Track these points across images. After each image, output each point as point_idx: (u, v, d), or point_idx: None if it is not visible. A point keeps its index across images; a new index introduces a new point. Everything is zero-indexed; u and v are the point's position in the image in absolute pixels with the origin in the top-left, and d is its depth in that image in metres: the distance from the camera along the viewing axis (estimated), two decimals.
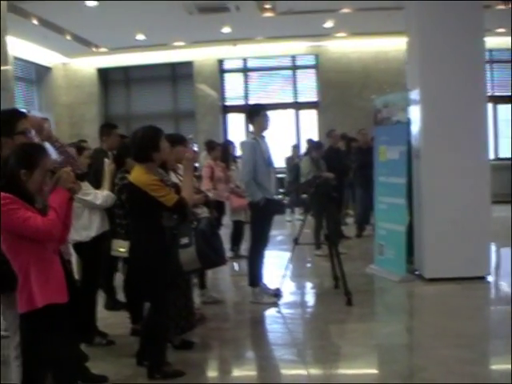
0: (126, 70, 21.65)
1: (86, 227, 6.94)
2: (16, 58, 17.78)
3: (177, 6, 14.42)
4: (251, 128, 8.68)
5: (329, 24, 17.41)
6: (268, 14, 15.56)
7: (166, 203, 5.69)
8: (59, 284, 4.16)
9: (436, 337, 6.78)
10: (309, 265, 11.55)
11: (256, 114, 8.62)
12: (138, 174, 5.85)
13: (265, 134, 8.70)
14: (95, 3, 13.48)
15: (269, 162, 8.65)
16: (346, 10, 15.45)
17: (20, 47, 17.50)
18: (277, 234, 14.07)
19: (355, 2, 14.68)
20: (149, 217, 5.80)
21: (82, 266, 7.27)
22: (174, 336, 6.71)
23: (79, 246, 6.99)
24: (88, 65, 21.26)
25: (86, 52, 19.67)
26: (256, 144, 8.47)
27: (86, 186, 6.95)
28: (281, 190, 18.15)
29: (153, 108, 21.45)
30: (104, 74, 21.85)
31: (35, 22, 14.85)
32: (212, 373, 6.24)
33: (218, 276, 10.74)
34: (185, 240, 5.81)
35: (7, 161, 4.17)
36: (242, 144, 8.80)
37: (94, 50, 19.48)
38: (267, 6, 14.92)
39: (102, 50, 19.62)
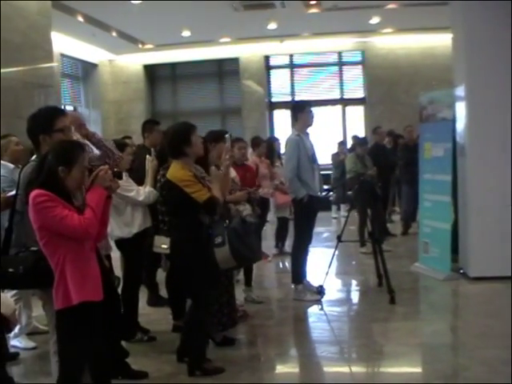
0: (172, 67, 21.73)
1: (128, 224, 6.97)
2: (63, 55, 17.98)
3: (222, 3, 14.41)
4: (295, 124, 8.64)
5: (375, 20, 17.25)
6: (313, 11, 15.46)
7: (197, 199, 5.69)
8: (95, 282, 4.16)
9: (480, 337, 6.66)
10: (353, 262, 11.47)
11: (300, 110, 8.59)
12: (174, 170, 5.87)
13: (310, 130, 8.67)
14: (139, 1, 13.51)
15: (313, 159, 8.60)
16: (391, 6, 15.29)
17: (67, 44, 17.67)
18: (322, 230, 14.04)
19: None
20: (186, 214, 5.80)
21: (124, 262, 7.32)
22: (215, 333, 6.72)
23: (121, 243, 7.05)
24: (134, 61, 21.37)
25: (132, 49, 19.74)
26: (300, 141, 8.43)
27: (128, 182, 7.00)
28: (326, 187, 18.07)
29: (199, 104, 21.46)
30: (150, 70, 21.94)
31: (81, 19, 14.94)
32: (253, 370, 6.17)
33: (262, 273, 10.76)
34: (218, 239, 5.76)
35: (45, 158, 4.18)
36: (286, 141, 8.76)
37: (140, 46, 19.56)
38: (312, 3, 14.83)
39: (149, 46, 19.69)
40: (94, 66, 20.31)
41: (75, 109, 19.89)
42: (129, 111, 21.07)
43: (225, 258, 5.75)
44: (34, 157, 4.87)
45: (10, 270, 4.32)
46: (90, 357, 4.26)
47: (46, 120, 4.80)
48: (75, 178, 4.16)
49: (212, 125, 20.43)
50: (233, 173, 7.84)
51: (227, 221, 5.90)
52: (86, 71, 20.31)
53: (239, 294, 8.39)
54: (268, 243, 11.93)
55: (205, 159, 6.50)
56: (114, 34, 17.29)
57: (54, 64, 16.59)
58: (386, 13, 16.02)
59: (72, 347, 4.18)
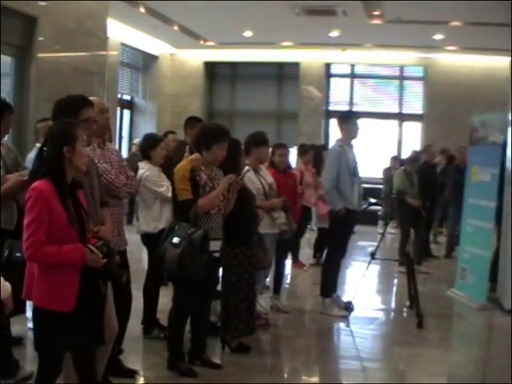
0: (232, 66, 21.68)
1: (155, 219, 6.92)
2: (123, 45, 18.05)
3: (284, 6, 14.28)
4: (340, 135, 8.47)
5: (438, 36, 16.92)
6: (376, 21, 15.25)
7: (177, 196, 5.81)
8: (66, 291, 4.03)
9: (503, 372, 6.39)
10: (387, 280, 11.22)
11: (346, 121, 8.42)
12: (181, 163, 5.97)
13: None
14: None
15: (354, 172, 8.40)
16: (456, 24, 14.96)
17: (128, 34, 17.73)
18: (366, 245, 13.83)
19: (465, 15, 14.16)
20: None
21: (148, 257, 7.23)
22: (231, 338, 6.63)
23: (147, 237, 7.00)
24: (195, 57, 21.36)
25: (193, 44, 19.72)
26: (342, 152, 8.25)
27: (160, 177, 6.94)
28: (373, 201, 17.81)
29: (256, 106, 21.38)
30: (211, 67, 21.92)
31: (143, 10, 14.94)
32: (260, 379, 6.07)
33: (295, 282, 10.63)
34: (176, 240, 5.62)
35: (43, 148, 4.09)
36: (328, 151, 8.58)
37: (201, 43, 19.53)
38: (375, 13, 14.62)
39: (210, 43, 19.65)
40: (154, 57, 20.37)
41: (132, 99, 20.04)
42: (185, 106, 21.01)
43: (170, 259, 5.60)
44: None
45: (17, 254, 4.27)
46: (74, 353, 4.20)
47: (72, 109, 4.75)
48: (80, 153, 4.08)
49: (267, 128, 20.23)
50: (270, 178, 7.71)
51: (192, 229, 5.71)
52: (146, 62, 20.39)
53: (266, 300, 8.29)
54: (306, 252, 11.79)
55: (236, 161, 6.43)
56: (176, 28, 17.28)
57: (113, 53, 16.76)
58: (450, 30, 15.70)
59: (47, 348, 4.10)
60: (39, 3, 9.87)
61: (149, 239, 6.95)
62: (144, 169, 7.02)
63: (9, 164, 5.66)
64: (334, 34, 17.01)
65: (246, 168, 6.47)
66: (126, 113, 20.07)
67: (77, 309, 3.99)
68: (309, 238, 12.56)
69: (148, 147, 7.15)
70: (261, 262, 6.94)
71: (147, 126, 19.04)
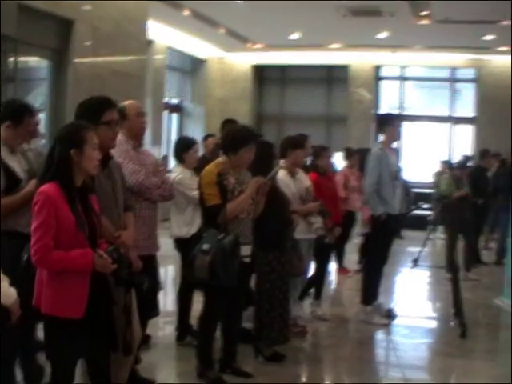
0: (281, 69, 21.52)
1: (187, 223, 6.84)
2: (170, 48, 18.03)
3: (330, 7, 14.07)
4: (381, 138, 8.23)
5: (489, 37, 16.54)
6: (424, 22, 14.92)
7: (205, 201, 5.67)
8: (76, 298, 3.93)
9: None
10: (433, 288, 10.90)
11: (387, 123, 8.18)
12: (208, 167, 5.83)
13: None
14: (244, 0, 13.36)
15: (395, 176, 8.15)
16: (506, 23, 14.54)
17: (175, 38, 17.70)
18: (413, 251, 13.50)
19: None
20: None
21: (181, 263, 7.10)
22: (264, 347, 6.48)
23: (179, 242, 6.93)
24: (243, 60, 21.26)
25: (241, 47, 19.65)
26: (383, 155, 8.01)
27: (193, 180, 6.80)
28: (424, 206, 17.49)
29: (305, 109, 21.22)
30: (259, 70, 21.81)
31: (187, 13, 14.87)
32: None
33: (338, 288, 10.44)
34: (205, 246, 5.47)
35: (53, 150, 4.00)
36: (369, 154, 8.35)
37: (249, 45, 19.44)
38: (423, 13, 14.30)
39: (258, 46, 19.54)
40: (202, 61, 20.36)
41: (181, 102, 20.03)
42: (234, 110, 20.83)
43: (201, 267, 5.46)
44: None
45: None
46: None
47: (95, 110, 4.67)
48: (89, 157, 3.97)
49: (316, 131, 20.18)
50: (307, 182, 7.52)
51: (222, 234, 5.54)
52: (194, 66, 20.40)
53: (306, 308, 8.10)
54: (351, 258, 11.56)
55: (268, 165, 6.27)
56: (222, 30, 17.19)
57: (159, 56, 16.78)
58: (501, 30, 15.27)
59: (58, 356, 4.00)
60: (76, 7, 9.81)
61: (181, 244, 6.86)
62: (177, 172, 6.95)
63: (37, 169, 5.57)
64: (382, 35, 16.76)
65: (274, 169, 6.25)
66: (175, 116, 20.05)
67: (87, 316, 3.90)
68: (357, 243, 12.34)
69: (181, 150, 7.06)
70: (295, 269, 6.77)
71: (195, 130, 19.01)
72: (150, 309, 5.94)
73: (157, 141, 16.21)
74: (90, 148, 3.97)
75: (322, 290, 8.44)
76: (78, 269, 3.86)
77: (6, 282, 3.74)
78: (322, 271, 8.30)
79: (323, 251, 7.98)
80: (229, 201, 5.61)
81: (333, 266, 11.12)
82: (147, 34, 12.09)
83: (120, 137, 5.22)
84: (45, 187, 3.87)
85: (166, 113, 18.76)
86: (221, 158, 5.89)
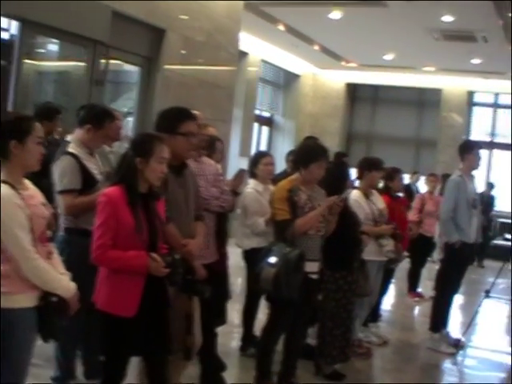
0: (373, 88, 21.37)
1: (261, 234, 6.78)
2: (264, 61, 18.17)
3: (423, 30, 13.94)
4: (460, 165, 8.15)
5: None
6: None
7: (275, 216, 5.74)
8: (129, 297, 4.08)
9: None
10: (504, 320, 10.66)
11: (468, 150, 8.08)
12: (281, 183, 5.91)
13: (474, 173, 8.16)
14: (339, 15, 13.34)
15: (473, 204, 8.06)
16: None
17: (269, 51, 17.83)
18: (498, 281, 13.24)
19: None
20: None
21: (247, 273, 7.16)
22: (325, 364, 6.51)
23: (247, 253, 6.99)
24: (336, 78, 21.22)
25: (335, 65, 19.60)
26: (461, 182, 7.93)
27: (262, 195, 6.87)
28: (508, 236, 17.17)
29: (395, 131, 20.97)
30: (351, 89, 21.73)
31: (282, 28, 14.98)
32: None
33: (408, 313, 10.32)
34: (272, 260, 5.53)
35: (126, 154, 4.18)
36: (447, 181, 8.28)
37: (343, 64, 19.41)
38: None
39: (352, 65, 19.49)
40: (296, 76, 20.38)
41: (272, 115, 20.14)
42: (324, 127, 20.90)
43: (266, 279, 5.53)
44: None
45: None
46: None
47: (172, 120, 4.83)
48: (153, 169, 4.11)
49: (405, 153, 20.09)
50: (382, 204, 7.52)
51: (287, 248, 5.58)
52: (287, 80, 20.42)
53: (372, 330, 8.07)
54: (427, 283, 11.43)
55: (341, 183, 6.32)
56: (316, 47, 17.23)
57: (252, 69, 16.93)
58: None
59: (110, 352, 4.17)
60: (169, 16, 10.04)
61: (249, 255, 6.90)
62: (249, 185, 7.04)
63: None
64: (476, 60, 16.49)
65: (348, 191, 6.30)
66: (265, 129, 20.15)
67: (141, 315, 4.03)
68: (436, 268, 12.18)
69: (252, 164, 7.15)
70: (361, 289, 6.77)
71: (285, 144, 19.04)
72: (215, 317, 6.06)
73: (245, 152, 16.31)
74: (156, 161, 4.12)
75: (378, 311, 8.39)
76: (133, 269, 4.03)
77: (67, 276, 3.88)
78: (380, 293, 8.23)
79: (385, 274, 7.92)
80: (299, 216, 5.67)
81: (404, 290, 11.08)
82: (238, 46, 12.20)
83: None
84: (109, 189, 4.08)
85: (256, 125, 18.87)
86: (294, 175, 5.95)
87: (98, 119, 5.39)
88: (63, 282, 3.79)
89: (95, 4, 8.71)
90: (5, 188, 3.59)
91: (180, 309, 4.73)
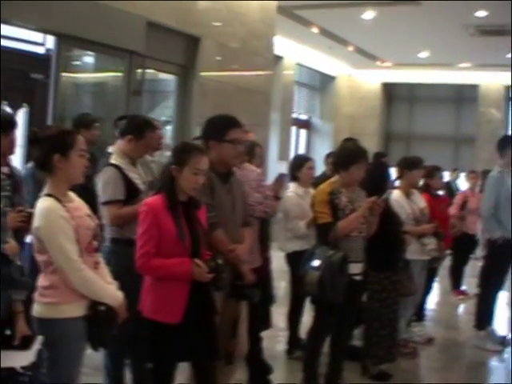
0: (410, 87, 21.33)
1: (302, 237, 6.84)
2: (299, 65, 18.19)
3: (458, 26, 13.88)
4: (500, 161, 8.08)
5: None
6: None
7: (317, 219, 5.76)
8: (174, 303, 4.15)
9: None
10: None
11: (506, 146, 7.99)
12: (322, 185, 5.91)
13: None
14: (372, 15, 13.34)
15: None
16: None
17: (304, 54, 17.85)
18: None
19: None
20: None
21: (291, 277, 7.19)
22: (371, 365, 6.52)
23: (290, 256, 7.00)
24: (372, 78, 21.22)
25: (370, 65, 19.62)
26: (501, 178, 7.86)
27: (303, 199, 6.90)
28: None
29: (433, 129, 20.91)
30: (388, 88, 21.71)
31: (316, 30, 15.01)
32: None
33: (453, 311, 10.25)
34: (316, 263, 5.55)
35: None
36: (487, 177, 8.22)
37: (378, 63, 19.37)
38: None
39: (387, 64, 19.44)
40: (331, 78, 20.38)
41: (310, 118, 20.11)
42: (362, 127, 20.84)
43: (311, 282, 5.56)
44: None
45: None
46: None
47: (220, 128, 4.91)
48: (186, 178, 4.17)
49: (444, 151, 19.97)
50: (423, 203, 7.49)
51: (331, 251, 5.59)
52: (323, 83, 20.43)
53: (418, 329, 8.03)
54: (471, 281, 11.35)
55: (381, 184, 6.32)
56: (351, 48, 17.23)
57: (288, 72, 16.96)
58: None
59: (156, 358, 4.22)
60: (203, 24, 10.14)
61: (292, 258, 6.94)
62: (290, 189, 7.07)
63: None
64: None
65: (388, 191, 6.30)
66: (303, 132, 20.16)
67: (186, 321, 4.09)
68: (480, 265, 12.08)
69: (294, 168, 7.18)
70: (406, 289, 6.76)
71: (323, 147, 18.99)
72: (261, 322, 6.10)
73: (284, 156, 16.35)
74: (190, 171, 4.18)
75: (422, 310, 8.36)
76: (176, 276, 4.09)
77: (114, 286, 3.97)
78: (424, 292, 8.19)
79: (429, 273, 7.88)
80: (340, 219, 5.68)
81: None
82: (273, 51, 12.26)
83: None
84: (150, 199, 4.19)
85: (294, 128, 18.88)
86: (334, 178, 5.96)
87: (139, 129, 5.45)
88: (110, 291, 3.87)
89: (129, 15, 8.85)
90: (50, 201, 3.69)
91: (228, 314, 4.80)
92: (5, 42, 8.29)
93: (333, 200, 5.71)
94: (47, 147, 3.79)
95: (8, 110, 8.33)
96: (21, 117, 8.85)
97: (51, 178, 3.81)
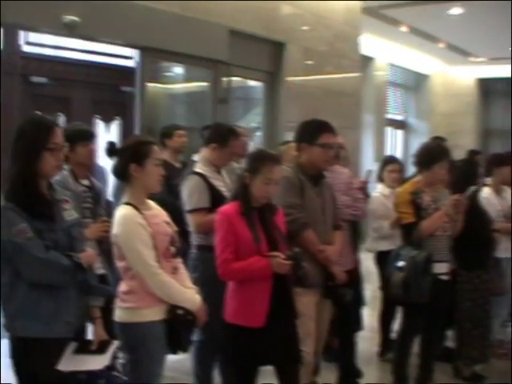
0: (506, 82, 20.65)
1: (387, 237, 6.86)
2: (392, 65, 18.01)
3: None
4: None
5: None
6: None
7: (401, 219, 5.73)
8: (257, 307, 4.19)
9: None
10: None
11: None
12: (405, 185, 5.91)
13: None
14: (459, 10, 13.14)
15: None
16: None
17: (396, 54, 17.67)
18: None
19: None
20: None
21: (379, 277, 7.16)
22: (464, 366, 6.42)
23: (378, 256, 7.03)
24: (467, 74, 20.79)
25: (464, 61, 19.24)
26: None
27: (388, 199, 6.88)
28: None
29: None
30: (483, 84, 21.21)
31: (404, 29, 14.84)
32: None
33: None
34: (400, 263, 5.52)
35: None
36: None
37: (472, 59, 19.00)
38: None
39: (481, 59, 19.05)
40: (425, 76, 20.09)
41: (405, 118, 19.91)
42: (458, 125, 20.46)
43: (396, 283, 5.53)
44: None
45: None
46: None
47: (312, 131, 5.05)
48: (257, 187, 4.22)
49: None
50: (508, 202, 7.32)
51: (414, 251, 5.52)
52: (417, 81, 20.16)
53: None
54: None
55: (469, 182, 6.26)
56: (442, 45, 16.96)
57: (380, 73, 16.82)
58: None
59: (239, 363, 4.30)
60: (287, 29, 10.21)
61: (379, 258, 6.96)
62: (377, 189, 7.14)
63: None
64: None
65: (473, 188, 6.20)
66: (400, 133, 19.95)
67: (268, 325, 4.13)
68: None
69: (380, 169, 7.27)
70: (497, 288, 6.63)
71: None
72: (353, 323, 6.11)
73: (379, 157, 16.21)
74: (262, 180, 4.22)
75: None
76: (257, 273, 4.13)
77: (193, 290, 4.05)
78: None
79: None
80: (423, 219, 5.63)
81: None
82: (360, 52, 12.22)
83: None
84: (225, 206, 4.28)
85: (389, 129, 18.73)
86: (417, 177, 5.92)
87: (223, 138, 5.55)
88: (188, 295, 3.95)
89: (211, 25, 8.99)
90: (127, 209, 3.81)
91: (324, 314, 5.08)
92: (95, 58, 8.57)
93: (415, 200, 5.67)
94: (124, 157, 3.94)
95: (100, 123, 8.62)
96: (114, 130, 9.13)
97: (129, 187, 3.95)
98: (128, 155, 3.92)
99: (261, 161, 4.27)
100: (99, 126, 8.98)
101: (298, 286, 4.42)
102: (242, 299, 4.21)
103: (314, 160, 4.99)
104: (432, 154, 5.78)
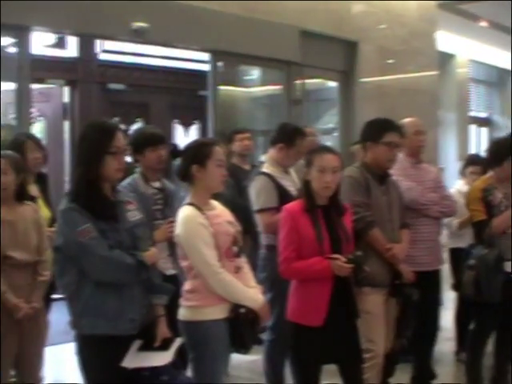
0: None
1: (458, 235, 6.81)
2: (473, 61, 17.70)
3: None
4: None
5: None
6: None
7: (472, 217, 5.61)
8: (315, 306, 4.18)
9: None
10: None
11: None
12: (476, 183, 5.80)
13: None
14: None
15: None
16: None
17: (477, 50, 17.37)
18: None
19: None
20: None
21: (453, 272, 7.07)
22: None
23: (452, 253, 6.98)
24: None
25: None
26: None
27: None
28: None
29: None
30: None
31: (484, 24, 14.57)
32: None
33: None
34: (471, 262, 5.41)
35: None
36: None
37: None
38: None
39: None
40: (508, 72, 19.62)
41: (489, 115, 19.54)
42: None
43: (467, 282, 5.43)
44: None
45: None
46: None
47: (377, 130, 5.07)
48: (314, 178, 4.19)
49: None
50: None
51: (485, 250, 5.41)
52: (501, 77, 19.73)
53: None
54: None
55: None
56: None
57: (462, 70, 16.53)
58: None
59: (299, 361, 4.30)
60: (359, 28, 10.19)
61: (453, 255, 6.92)
62: (455, 185, 7.24)
63: None
64: None
65: None
66: (484, 130, 19.59)
67: (329, 324, 4.12)
68: None
69: (463, 166, 7.32)
70: None
71: None
72: (431, 324, 6.04)
73: (463, 156, 15.96)
74: (316, 170, 4.19)
75: None
76: (317, 274, 4.12)
77: (256, 289, 4.10)
78: None
79: None
80: (495, 216, 5.53)
81: None
82: (437, 49, 12.04)
83: (399, 154, 5.44)
84: (289, 204, 4.30)
85: (473, 127, 18.42)
86: (488, 174, 5.82)
87: (289, 137, 5.58)
88: (249, 294, 3.99)
89: (281, 26, 9.04)
90: (189, 209, 3.90)
91: (391, 313, 5.00)
92: (170, 63, 8.70)
93: (486, 197, 5.56)
94: (186, 159, 4.03)
95: (179, 127, 8.74)
96: (193, 133, 9.26)
97: (192, 188, 4.04)
98: (190, 156, 4.01)
99: (312, 152, 4.31)
100: (178, 131, 9.13)
101: (364, 286, 4.44)
102: (302, 298, 4.22)
103: (378, 158, 5.00)
104: (502, 150, 5.67)
